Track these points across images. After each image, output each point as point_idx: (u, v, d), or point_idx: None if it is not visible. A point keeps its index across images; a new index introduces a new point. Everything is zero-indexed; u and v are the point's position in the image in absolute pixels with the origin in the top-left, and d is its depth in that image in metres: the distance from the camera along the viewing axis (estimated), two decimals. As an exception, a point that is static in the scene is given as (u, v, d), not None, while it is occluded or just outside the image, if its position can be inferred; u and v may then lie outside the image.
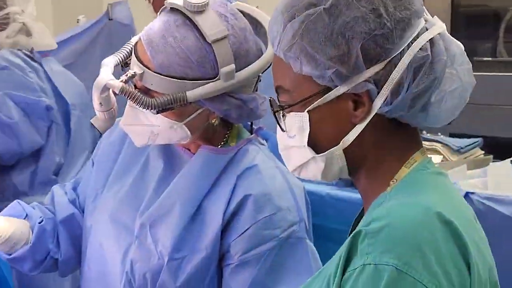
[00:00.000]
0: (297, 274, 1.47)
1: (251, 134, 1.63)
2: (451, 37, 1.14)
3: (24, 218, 1.70)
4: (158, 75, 1.47)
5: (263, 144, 1.63)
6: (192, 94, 1.46)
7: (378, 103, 1.08)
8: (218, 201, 1.50)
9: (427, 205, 1.04)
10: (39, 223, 1.70)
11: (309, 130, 1.12)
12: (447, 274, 0.99)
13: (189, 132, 1.52)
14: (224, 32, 1.47)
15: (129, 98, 1.47)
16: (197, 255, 1.49)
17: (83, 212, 1.72)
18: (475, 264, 1.02)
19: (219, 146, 1.58)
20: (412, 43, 1.08)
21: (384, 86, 1.07)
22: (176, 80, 1.46)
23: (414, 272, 0.97)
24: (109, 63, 1.54)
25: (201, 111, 1.51)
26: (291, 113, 1.13)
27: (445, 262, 1.00)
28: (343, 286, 1.01)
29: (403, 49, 1.07)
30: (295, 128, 1.13)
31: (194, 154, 1.57)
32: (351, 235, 1.03)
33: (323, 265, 1.19)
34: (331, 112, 1.11)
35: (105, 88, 1.52)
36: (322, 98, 1.10)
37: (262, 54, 1.54)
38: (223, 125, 1.59)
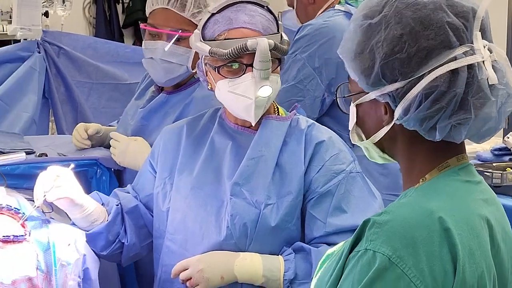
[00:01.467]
0: (362, 199, 1.89)
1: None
2: (490, 69, 1.17)
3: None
4: None
5: None
6: None
7: (396, 114, 1.21)
8: (294, 155, 1.89)
9: (434, 209, 1.16)
10: (117, 205, 1.98)
11: (355, 120, 1.27)
12: (433, 273, 1.11)
13: None
14: None
15: None
16: (286, 198, 1.85)
17: (145, 205, 2.02)
18: (462, 269, 1.13)
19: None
20: (434, 71, 1.16)
21: (400, 102, 1.19)
22: None
23: (404, 266, 1.11)
24: None
25: None
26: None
27: (434, 263, 1.11)
28: (348, 262, 1.16)
29: (423, 74, 1.16)
30: (351, 115, 1.30)
31: (253, 129, 1.93)
32: (362, 222, 1.17)
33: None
34: (370, 110, 1.26)
35: None
36: (362, 97, 1.25)
37: None
38: None
